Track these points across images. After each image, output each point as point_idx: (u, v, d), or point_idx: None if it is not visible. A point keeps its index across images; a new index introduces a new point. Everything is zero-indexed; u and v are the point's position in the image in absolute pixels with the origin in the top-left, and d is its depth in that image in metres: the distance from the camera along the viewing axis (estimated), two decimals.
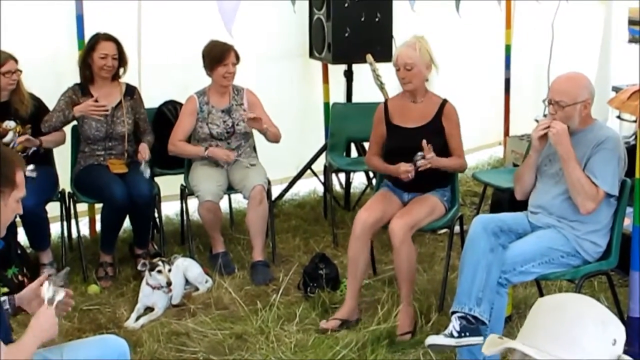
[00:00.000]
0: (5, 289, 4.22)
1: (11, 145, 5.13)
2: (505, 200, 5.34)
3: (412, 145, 4.56)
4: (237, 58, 5.46)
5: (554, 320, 1.93)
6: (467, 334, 3.83)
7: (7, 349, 2.60)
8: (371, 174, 6.36)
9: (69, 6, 5.72)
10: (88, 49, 5.36)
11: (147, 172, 5.29)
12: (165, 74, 6.09)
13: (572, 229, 4.03)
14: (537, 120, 4.14)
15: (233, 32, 5.60)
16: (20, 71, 5.15)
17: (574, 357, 1.87)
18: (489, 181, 5.78)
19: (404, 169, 4.56)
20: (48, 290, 2.86)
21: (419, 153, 4.52)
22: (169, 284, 4.76)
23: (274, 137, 5.50)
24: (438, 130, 4.69)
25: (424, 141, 4.49)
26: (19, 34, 5.47)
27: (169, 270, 4.78)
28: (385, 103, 4.92)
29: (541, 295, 4.69)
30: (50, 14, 5.70)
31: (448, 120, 4.72)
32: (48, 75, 5.68)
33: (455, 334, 3.83)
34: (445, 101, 4.76)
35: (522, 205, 4.33)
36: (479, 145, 7.84)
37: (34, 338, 2.75)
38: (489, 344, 2.03)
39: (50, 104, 5.36)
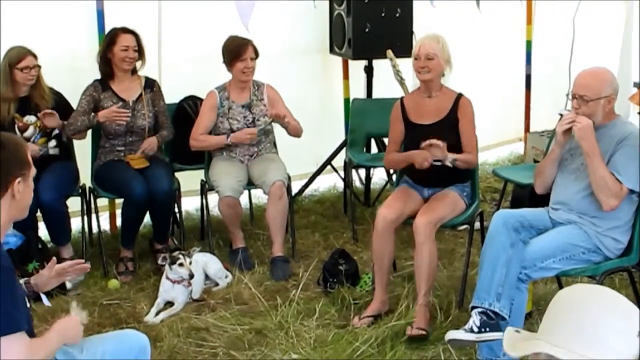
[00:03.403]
0: None
1: (32, 139, 5.16)
2: (526, 197, 5.29)
3: None
4: (256, 53, 5.46)
5: (578, 317, 1.89)
6: (487, 329, 3.81)
7: (31, 343, 2.62)
8: (391, 170, 6.34)
9: (90, 3, 5.75)
10: (107, 44, 5.37)
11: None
12: (185, 69, 6.11)
13: (593, 225, 4.01)
14: (561, 115, 4.09)
15: (253, 28, 5.62)
16: (40, 66, 5.16)
17: (603, 356, 1.83)
18: (510, 177, 5.74)
19: (423, 157, 4.53)
20: (76, 310, 3.00)
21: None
22: (191, 276, 4.77)
23: (294, 131, 5.50)
24: (454, 125, 4.67)
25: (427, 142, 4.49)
26: (39, 30, 5.50)
27: (190, 263, 4.80)
28: (402, 101, 4.90)
29: None
30: (70, 10, 5.71)
31: (462, 114, 4.70)
32: (68, 71, 5.69)
33: (475, 329, 3.82)
34: (460, 95, 4.75)
35: (542, 202, 4.31)
36: (499, 141, 7.82)
37: (58, 335, 2.77)
38: (509, 341, 2.00)
39: (70, 99, 5.38)
